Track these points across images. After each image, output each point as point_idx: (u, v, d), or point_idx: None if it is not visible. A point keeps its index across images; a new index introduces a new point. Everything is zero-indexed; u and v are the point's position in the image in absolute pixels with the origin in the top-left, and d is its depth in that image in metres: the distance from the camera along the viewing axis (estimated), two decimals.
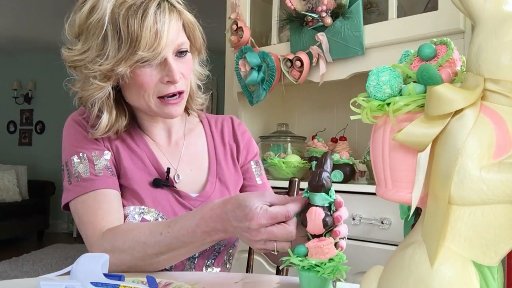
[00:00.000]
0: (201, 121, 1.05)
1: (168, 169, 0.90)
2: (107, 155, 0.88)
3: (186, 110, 1.02)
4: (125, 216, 0.85)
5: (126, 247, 0.75)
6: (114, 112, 0.88)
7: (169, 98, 0.85)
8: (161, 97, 0.85)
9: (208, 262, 0.92)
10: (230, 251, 0.97)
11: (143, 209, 0.86)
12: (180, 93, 0.86)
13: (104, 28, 0.80)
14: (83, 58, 0.83)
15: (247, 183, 1.02)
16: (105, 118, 0.87)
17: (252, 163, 1.04)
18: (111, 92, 0.86)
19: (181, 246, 0.73)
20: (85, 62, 0.82)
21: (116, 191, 0.85)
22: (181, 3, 0.87)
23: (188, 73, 0.88)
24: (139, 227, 0.78)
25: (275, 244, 0.64)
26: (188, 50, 0.87)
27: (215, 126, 1.04)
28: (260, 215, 0.64)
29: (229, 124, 1.06)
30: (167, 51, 0.81)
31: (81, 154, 0.87)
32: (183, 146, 0.98)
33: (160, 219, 0.86)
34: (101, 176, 0.85)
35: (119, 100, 0.90)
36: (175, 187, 0.90)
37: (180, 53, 0.85)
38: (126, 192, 0.87)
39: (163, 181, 0.89)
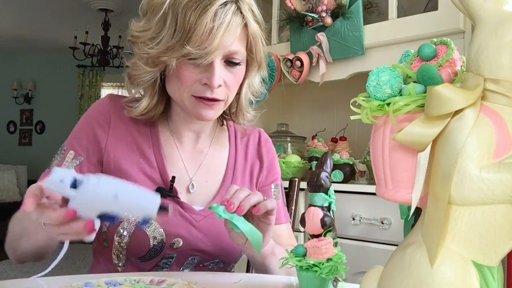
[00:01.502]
0: (228, 129, 1.00)
1: (173, 178, 0.86)
2: (76, 161, 0.85)
3: (223, 118, 0.98)
4: (121, 221, 0.82)
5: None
6: (156, 98, 0.86)
7: (204, 99, 0.80)
8: (196, 97, 0.80)
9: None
10: (229, 269, 0.95)
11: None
12: (216, 100, 0.80)
13: (164, 12, 0.76)
14: (141, 36, 0.80)
15: None
16: (145, 102, 0.85)
17: (272, 186, 0.99)
18: (159, 78, 0.83)
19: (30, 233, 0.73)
20: (141, 40, 0.80)
21: None
22: (253, 10, 0.81)
23: (234, 85, 0.83)
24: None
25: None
26: (241, 63, 0.81)
27: (241, 137, 0.99)
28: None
29: (256, 138, 1.01)
30: (216, 54, 0.76)
31: (65, 148, 0.87)
32: (206, 155, 0.94)
33: (156, 229, 0.83)
34: None
35: (163, 87, 0.86)
36: (178, 198, 0.87)
37: (230, 62, 0.80)
38: None
39: (166, 191, 0.85)
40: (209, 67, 0.77)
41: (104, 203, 0.56)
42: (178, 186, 0.87)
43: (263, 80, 0.94)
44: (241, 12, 0.78)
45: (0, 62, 6.46)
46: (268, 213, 0.72)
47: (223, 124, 0.99)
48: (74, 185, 0.55)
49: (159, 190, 0.85)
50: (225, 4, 0.75)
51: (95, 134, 0.87)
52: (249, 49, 0.83)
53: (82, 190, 0.55)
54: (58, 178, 0.55)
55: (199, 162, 0.93)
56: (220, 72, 0.78)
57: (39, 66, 6.36)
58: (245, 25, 0.79)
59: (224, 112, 0.94)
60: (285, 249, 0.86)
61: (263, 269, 0.83)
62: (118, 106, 0.89)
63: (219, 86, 0.79)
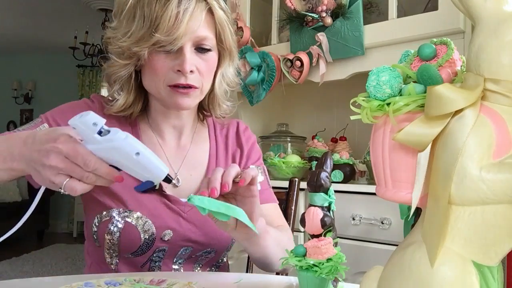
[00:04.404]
0: (207, 124, 1.02)
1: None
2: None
3: (203, 114, 1.00)
4: (110, 218, 0.83)
5: None
6: (133, 95, 0.88)
7: (179, 88, 0.83)
8: (172, 86, 0.83)
9: (197, 267, 0.92)
10: (220, 261, 0.96)
11: (127, 212, 0.84)
12: (191, 87, 0.83)
13: (131, 7, 0.81)
14: (113, 36, 0.84)
15: None
16: (122, 98, 0.87)
17: (251, 166, 1.01)
18: (133, 74, 0.86)
19: None
20: (114, 39, 0.83)
21: None
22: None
23: (207, 71, 0.85)
24: None
25: (66, 180, 0.60)
26: (212, 49, 0.85)
27: (220, 130, 1.02)
28: (67, 141, 0.60)
29: (234, 128, 1.04)
30: (185, 40, 0.80)
31: (40, 120, 0.87)
32: (188, 150, 0.96)
33: (146, 223, 0.84)
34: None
35: (141, 85, 0.89)
36: (164, 192, 0.88)
37: (201, 49, 0.83)
38: (110, 193, 0.85)
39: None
40: (180, 54, 0.81)
41: (124, 156, 0.59)
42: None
43: (238, 72, 0.97)
44: (205, 0, 0.82)
45: (0, 62, 6.46)
46: (251, 183, 0.70)
47: (203, 120, 1.01)
48: (99, 133, 0.59)
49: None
50: None
51: None
52: (219, 38, 0.86)
53: (108, 138, 0.59)
54: (92, 120, 0.58)
55: (182, 157, 0.95)
56: (191, 58, 0.81)
57: (39, 66, 6.36)
58: (211, 12, 0.83)
59: (203, 107, 0.97)
60: (277, 229, 0.87)
61: (261, 252, 0.80)
62: (102, 105, 0.91)
63: (191, 72, 0.82)
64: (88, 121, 0.58)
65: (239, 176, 0.69)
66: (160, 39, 0.77)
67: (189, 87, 0.83)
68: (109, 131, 0.60)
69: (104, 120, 0.60)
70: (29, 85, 6.34)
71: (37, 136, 0.63)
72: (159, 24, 0.77)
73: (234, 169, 0.69)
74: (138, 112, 0.91)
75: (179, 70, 0.81)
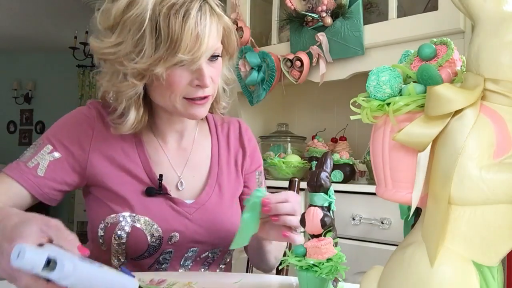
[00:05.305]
0: (207, 121, 1.02)
1: (161, 176, 0.88)
2: (52, 156, 0.84)
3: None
4: (117, 223, 0.84)
5: None
6: (141, 110, 0.86)
7: (196, 99, 0.82)
8: (189, 99, 0.82)
9: (203, 269, 0.92)
10: (226, 259, 0.97)
11: (134, 216, 0.84)
12: (207, 97, 0.83)
13: (144, 24, 0.76)
14: (115, 52, 0.79)
15: (247, 190, 1.00)
16: (132, 116, 0.84)
17: (256, 173, 1.03)
18: (142, 91, 0.84)
19: None
20: (118, 56, 0.79)
21: (21, 187, 0.80)
22: (219, 5, 0.84)
23: (217, 77, 0.86)
24: None
25: None
26: (220, 55, 0.85)
27: (221, 128, 1.02)
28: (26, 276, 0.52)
29: (236, 128, 1.04)
30: (205, 56, 0.79)
31: (41, 142, 0.85)
32: (191, 151, 0.96)
33: (153, 227, 0.85)
34: (27, 168, 0.82)
35: (145, 97, 0.87)
36: (169, 195, 0.88)
37: (212, 57, 0.82)
38: (118, 198, 0.86)
39: (156, 190, 0.87)
40: (196, 68, 0.79)
41: (86, 283, 0.54)
42: (167, 184, 0.89)
43: (231, 67, 0.98)
44: (214, 11, 0.81)
45: (0, 62, 6.46)
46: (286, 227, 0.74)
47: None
48: (48, 263, 0.52)
49: (149, 189, 0.86)
50: (200, 7, 0.77)
51: (78, 137, 0.86)
52: (222, 42, 0.86)
53: (56, 274, 0.52)
54: (29, 265, 0.51)
55: (185, 159, 0.95)
56: (207, 70, 0.81)
57: (39, 66, 6.36)
58: (220, 22, 0.83)
59: None
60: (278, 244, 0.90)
61: (259, 259, 0.85)
62: (101, 112, 0.90)
63: (210, 83, 0.82)
64: (27, 262, 0.51)
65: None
66: (183, 58, 0.76)
67: (206, 97, 0.83)
68: (55, 264, 0.52)
69: (43, 255, 0.51)
70: (29, 85, 6.34)
71: (7, 229, 0.58)
72: (180, 44, 0.75)
73: (289, 208, 0.73)
74: (144, 125, 0.89)
75: (198, 85, 0.80)
